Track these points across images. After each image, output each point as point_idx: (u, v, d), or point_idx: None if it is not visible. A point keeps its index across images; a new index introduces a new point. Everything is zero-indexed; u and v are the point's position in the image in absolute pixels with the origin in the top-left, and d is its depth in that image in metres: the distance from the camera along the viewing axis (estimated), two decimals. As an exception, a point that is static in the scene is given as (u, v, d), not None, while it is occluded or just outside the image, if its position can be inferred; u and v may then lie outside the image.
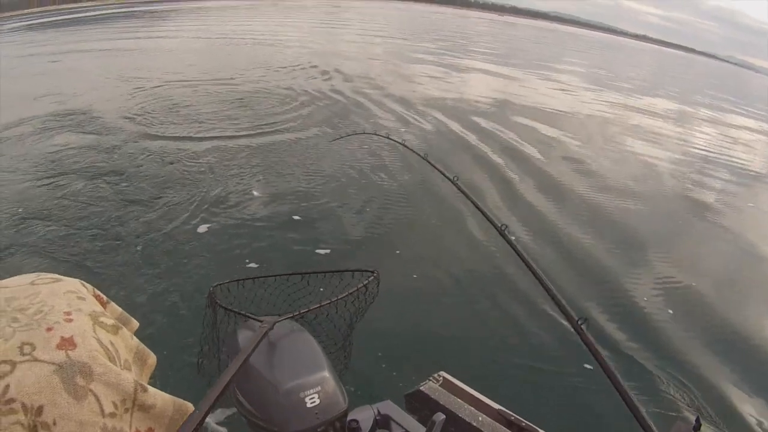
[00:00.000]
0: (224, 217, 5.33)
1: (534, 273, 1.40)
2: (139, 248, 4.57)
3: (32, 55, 15.47)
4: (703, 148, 11.96)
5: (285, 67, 14.41)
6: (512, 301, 4.26)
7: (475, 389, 1.46)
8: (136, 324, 0.89)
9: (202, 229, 5.02)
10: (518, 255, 1.48)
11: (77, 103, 9.42)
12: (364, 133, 4.78)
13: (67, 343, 0.66)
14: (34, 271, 0.83)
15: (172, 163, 6.66)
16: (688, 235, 6.52)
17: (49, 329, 0.67)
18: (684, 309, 4.59)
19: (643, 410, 0.95)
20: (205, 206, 5.50)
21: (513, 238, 1.56)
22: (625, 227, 6.28)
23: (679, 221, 6.97)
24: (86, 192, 5.66)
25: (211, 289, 1.58)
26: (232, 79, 12.29)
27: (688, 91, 27.16)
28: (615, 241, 5.80)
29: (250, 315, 1.39)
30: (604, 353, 1.10)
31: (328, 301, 1.43)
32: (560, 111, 13.10)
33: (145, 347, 0.84)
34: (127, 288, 3.97)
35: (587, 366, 3.40)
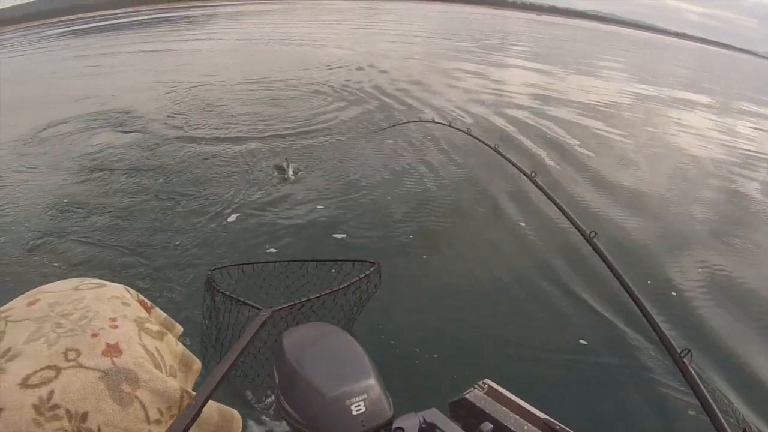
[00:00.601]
0: (253, 209, 5.28)
1: (629, 292, 1.37)
2: (176, 240, 4.61)
3: (75, 57, 15.82)
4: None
5: (325, 66, 14.26)
6: (567, 307, 3.87)
7: (520, 398, 1.36)
8: (180, 329, 0.90)
9: (232, 218, 5.05)
10: (609, 268, 1.44)
11: (117, 104, 9.64)
12: (420, 120, 4.29)
13: (112, 350, 0.66)
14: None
15: (207, 159, 6.67)
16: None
17: (94, 335, 0.67)
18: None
19: None
20: (238, 199, 5.46)
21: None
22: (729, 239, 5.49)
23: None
24: (126, 186, 5.82)
25: (210, 272, 1.53)
26: (270, 78, 12.19)
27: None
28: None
29: (249, 302, 1.37)
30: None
31: (329, 291, 1.41)
32: (616, 108, 12.25)
33: (190, 353, 0.84)
34: (163, 280, 3.99)
35: (644, 380, 3.17)
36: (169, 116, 8.74)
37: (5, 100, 10.34)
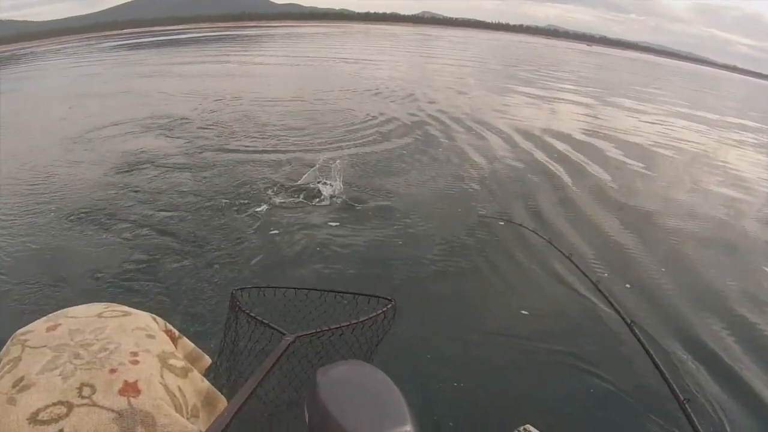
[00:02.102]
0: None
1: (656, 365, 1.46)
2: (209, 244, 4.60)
3: (133, 70, 16.09)
4: None
5: (370, 91, 13.90)
6: (605, 362, 3.51)
7: None
8: (208, 360, 0.89)
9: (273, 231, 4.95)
10: (647, 353, 1.51)
11: (165, 112, 10.08)
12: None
13: (130, 389, 0.62)
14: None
15: (240, 165, 6.83)
16: None
17: (112, 371, 0.64)
18: None
19: None
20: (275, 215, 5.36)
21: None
22: None
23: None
24: (167, 185, 6.02)
25: (234, 292, 1.55)
26: (325, 100, 12.02)
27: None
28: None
29: (273, 326, 1.37)
30: None
31: (352, 322, 1.43)
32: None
33: (215, 390, 0.81)
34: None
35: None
36: (211, 127, 9.04)
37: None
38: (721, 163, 9.52)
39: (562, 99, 16.51)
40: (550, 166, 7.63)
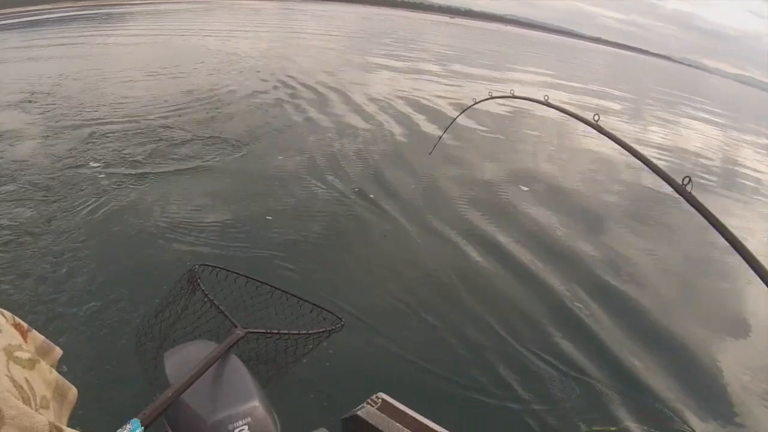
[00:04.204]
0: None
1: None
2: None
3: None
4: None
5: (223, 62, 14.75)
6: (462, 323, 3.85)
7: (416, 411, 1.40)
8: (59, 352, 0.84)
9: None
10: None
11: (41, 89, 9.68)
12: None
13: None
14: None
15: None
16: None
17: None
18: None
19: None
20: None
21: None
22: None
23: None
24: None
25: (196, 267, 1.57)
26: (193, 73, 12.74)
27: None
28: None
29: (228, 315, 1.42)
30: None
31: (297, 333, 1.49)
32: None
33: (65, 381, 0.78)
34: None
35: (534, 396, 3.17)
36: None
37: None
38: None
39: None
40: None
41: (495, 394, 3.14)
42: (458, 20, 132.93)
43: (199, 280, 1.51)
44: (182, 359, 1.16)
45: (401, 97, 12.52)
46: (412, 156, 7.87)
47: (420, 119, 10.57)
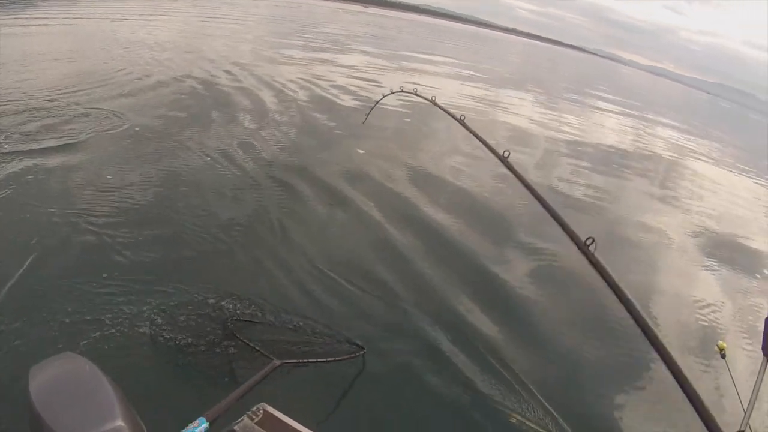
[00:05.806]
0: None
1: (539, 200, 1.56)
2: None
3: None
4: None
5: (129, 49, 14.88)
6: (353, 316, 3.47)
7: (300, 423, 1.36)
8: None
9: None
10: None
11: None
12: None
13: None
14: None
15: None
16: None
17: None
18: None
19: None
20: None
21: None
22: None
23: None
24: None
25: (230, 323, 1.91)
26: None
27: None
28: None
29: (263, 351, 1.65)
30: None
31: (325, 360, 1.73)
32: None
33: None
34: None
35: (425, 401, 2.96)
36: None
37: None
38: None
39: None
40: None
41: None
42: (372, 9, 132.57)
43: (234, 332, 1.86)
44: (48, 375, 1.05)
45: (299, 83, 13.68)
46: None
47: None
